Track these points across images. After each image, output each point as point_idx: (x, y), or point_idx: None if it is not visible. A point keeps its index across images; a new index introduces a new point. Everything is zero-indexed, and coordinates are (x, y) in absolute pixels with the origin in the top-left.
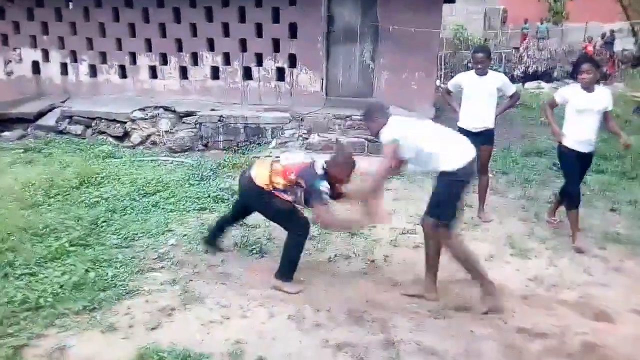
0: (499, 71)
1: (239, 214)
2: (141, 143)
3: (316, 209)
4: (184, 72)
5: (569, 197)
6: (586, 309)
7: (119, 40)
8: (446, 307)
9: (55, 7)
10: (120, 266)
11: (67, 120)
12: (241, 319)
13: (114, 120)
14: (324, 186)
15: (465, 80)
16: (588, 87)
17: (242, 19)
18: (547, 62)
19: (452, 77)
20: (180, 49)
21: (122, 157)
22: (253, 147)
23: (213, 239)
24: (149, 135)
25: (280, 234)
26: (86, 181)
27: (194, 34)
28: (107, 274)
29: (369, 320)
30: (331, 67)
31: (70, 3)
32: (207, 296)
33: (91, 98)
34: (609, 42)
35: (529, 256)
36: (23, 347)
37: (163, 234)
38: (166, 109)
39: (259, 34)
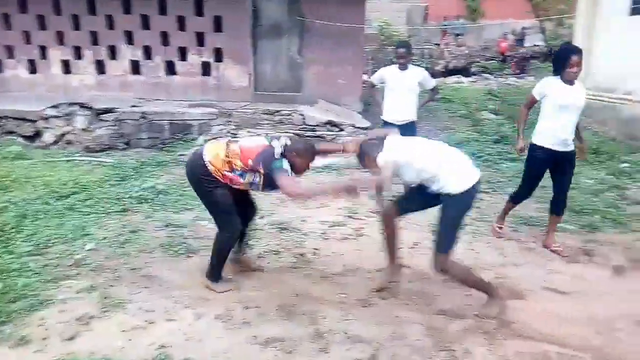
0: (422, 66)
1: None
2: (55, 142)
3: (282, 181)
4: (101, 67)
5: (518, 200)
6: (501, 288)
7: (26, 33)
8: (373, 295)
9: None
10: (32, 275)
11: None
12: (166, 323)
13: (23, 119)
14: (285, 164)
15: (388, 74)
16: (571, 81)
17: (163, 11)
18: (466, 58)
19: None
20: (95, 42)
21: (33, 158)
22: (179, 144)
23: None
24: (63, 134)
25: (208, 232)
26: None
27: (111, 27)
28: (17, 284)
29: (298, 314)
30: (259, 61)
31: None
32: (129, 301)
33: None
34: (520, 39)
35: None
36: None
37: (80, 238)
38: (82, 105)
39: (182, 27)
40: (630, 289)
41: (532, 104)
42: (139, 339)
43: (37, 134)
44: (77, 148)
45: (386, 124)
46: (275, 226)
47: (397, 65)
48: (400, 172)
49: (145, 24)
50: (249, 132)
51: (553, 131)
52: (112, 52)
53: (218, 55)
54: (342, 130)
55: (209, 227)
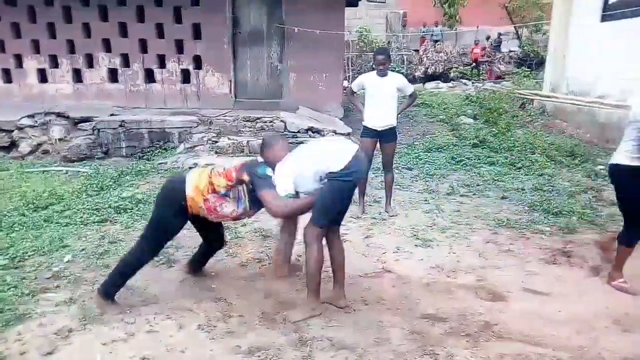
0: (402, 72)
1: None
2: (31, 153)
3: (264, 196)
4: (78, 75)
5: (635, 241)
6: (482, 290)
7: (1, 42)
8: (356, 301)
9: None
10: (8, 289)
11: None
12: (147, 334)
13: None
14: (270, 171)
15: (368, 81)
16: None
17: (141, 18)
18: (444, 64)
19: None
20: (72, 51)
21: (8, 169)
22: (159, 152)
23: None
24: (39, 144)
25: (190, 242)
26: None
27: (88, 35)
28: None
29: (282, 322)
30: (239, 68)
31: None
32: (109, 313)
33: None
34: (496, 45)
35: (431, 246)
36: None
37: (57, 250)
38: (59, 115)
39: (161, 35)
40: (607, 289)
41: None
42: (120, 352)
43: (13, 144)
44: (54, 158)
45: (367, 129)
46: (258, 233)
47: (377, 72)
48: (299, 186)
49: (123, 31)
50: (229, 139)
51: None
52: (90, 61)
53: (198, 62)
54: (323, 136)
55: (189, 237)
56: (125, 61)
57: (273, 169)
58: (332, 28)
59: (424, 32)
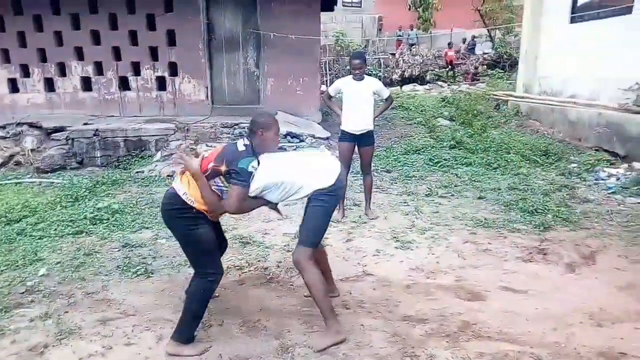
0: (379, 76)
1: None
2: (3, 165)
3: (232, 192)
4: (50, 85)
5: None
6: (461, 290)
7: None
8: (337, 305)
9: None
10: None
11: None
12: (125, 347)
13: None
14: (252, 166)
15: (344, 85)
16: None
17: (114, 26)
18: (420, 67)
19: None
20: (44, 60)
21: None
22: (135, 161)
23: None
24: (11, 156)
25: (168, 251)
26: None
27: (60, 43)
28: None
29: (262, 329)
30: (216, 75)
31: None
32: (85, 327)
33: None
34: (471, 47)
35: (411, 247)
36: None
37: (32, 264)
38: (31, 125)
39: (135, 42)
40: (582, 285)
41: None
42: None
43: None
44: (27, 169)
45: (345, 133)
46: (237, 240)
47: (353, 76)
48: (266, 194)
49: (96, 39)
50: (207, 145)
51: None
52: (62, 69)
53: (173, 69)
54: (302, 141)
55: (168, 245)
56: (99, 69)
57: (255, 156)
58: (308, 33)
59: (399, 35)
